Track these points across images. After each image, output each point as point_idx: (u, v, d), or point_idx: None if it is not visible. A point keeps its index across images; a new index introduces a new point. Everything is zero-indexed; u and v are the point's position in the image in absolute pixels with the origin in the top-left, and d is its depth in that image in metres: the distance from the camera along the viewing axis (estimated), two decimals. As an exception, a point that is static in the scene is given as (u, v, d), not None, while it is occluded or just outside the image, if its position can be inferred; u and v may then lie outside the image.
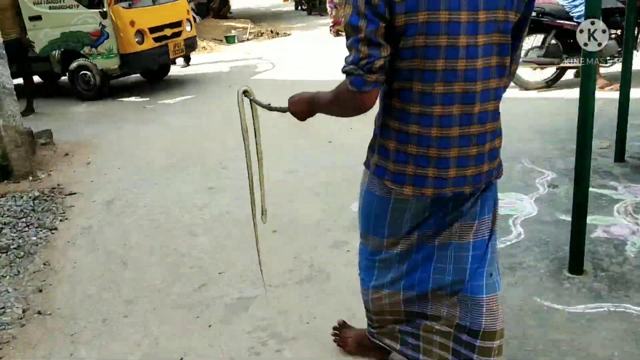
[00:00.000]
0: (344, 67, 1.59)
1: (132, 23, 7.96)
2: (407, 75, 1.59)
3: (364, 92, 1.58)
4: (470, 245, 1.81)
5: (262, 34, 15.16)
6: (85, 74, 8.27)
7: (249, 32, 15.15)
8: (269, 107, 1.97)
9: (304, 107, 1.85)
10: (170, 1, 8.77)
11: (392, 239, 1.88)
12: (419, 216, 1.82)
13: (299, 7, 20.95)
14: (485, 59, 1.57)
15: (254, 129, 2.04)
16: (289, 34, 15.12)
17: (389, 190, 1.77)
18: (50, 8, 8.04)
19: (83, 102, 8.35)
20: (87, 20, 7.98)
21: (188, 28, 9.02)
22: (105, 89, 8.42)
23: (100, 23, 7.89)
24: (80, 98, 8.43)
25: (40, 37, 8.11)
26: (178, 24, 8.80)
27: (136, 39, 8.02)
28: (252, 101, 1.99)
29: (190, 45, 9.21)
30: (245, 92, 1.97)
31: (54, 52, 8.09)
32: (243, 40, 14.66)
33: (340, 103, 1.68)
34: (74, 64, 8.24)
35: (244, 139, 1.98)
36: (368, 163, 1.83)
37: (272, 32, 15.19)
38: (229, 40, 14.38)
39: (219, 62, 11.19)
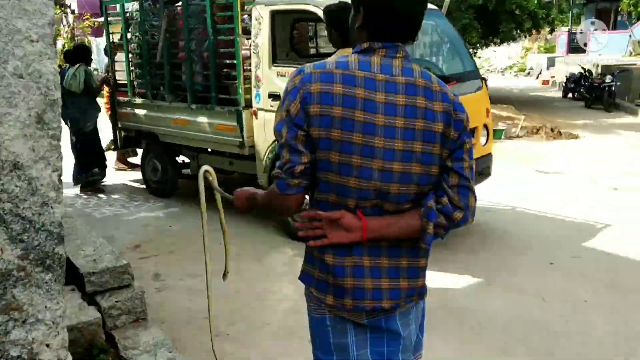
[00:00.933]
0: (273, 171, 1.66)
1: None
2: (324, 187, 1.60)
3: (287, 195, 1.62)
4: None
5: (537, 131, 11.11)
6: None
7: (520, 127, 11.19)
8: (221, 192, 2.03)
9: (244, 202, 1.88)
10: (465, 92, 4.83)
11: None
12: (361, 340, 1.69)
13: (571, 95, 16.48)
14: (403, 185, 1.56)
15: (219, 208, 2.08)
16: (574, 135, 10.87)
17: (319, 306, 1.70)
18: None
19: (292, 250, 5.02)
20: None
21: (482, 140, 5.14)
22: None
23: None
24: (290, 235, 5.13)
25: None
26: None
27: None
28: (211, 183, 2.04)
29: (483, 171, 5.14)
30: (206, 172, 2.03)
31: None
32: (511, 137, 10.75)
33: (272, 203, 1.72)
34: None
35: (201, 219, 2.11)
36: (300, 272, 1.78)
37: (552, 130, 11.05)
38: (496, 134, 10.54)
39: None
